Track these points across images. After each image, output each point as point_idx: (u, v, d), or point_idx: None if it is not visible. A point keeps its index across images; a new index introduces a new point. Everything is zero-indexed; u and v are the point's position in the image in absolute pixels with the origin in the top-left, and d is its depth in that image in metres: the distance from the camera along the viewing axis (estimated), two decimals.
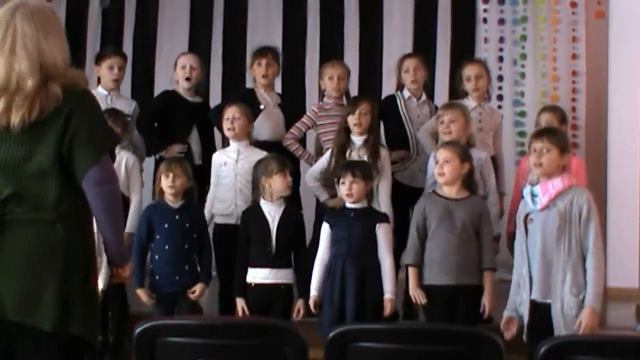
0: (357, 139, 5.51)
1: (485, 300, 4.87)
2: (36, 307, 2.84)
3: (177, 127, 6.06)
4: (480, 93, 5.94)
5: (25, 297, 2.84)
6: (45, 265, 2.86)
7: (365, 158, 5.40)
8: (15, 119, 2.86)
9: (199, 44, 7.82)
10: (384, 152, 5.56)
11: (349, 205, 5.09)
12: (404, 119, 5.91)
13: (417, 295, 4.89)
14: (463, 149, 5.06)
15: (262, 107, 5.93)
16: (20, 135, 2.88)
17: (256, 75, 6.07)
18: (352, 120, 5.49)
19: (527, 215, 4.50)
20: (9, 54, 2.90)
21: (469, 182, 5.00)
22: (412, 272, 4.94)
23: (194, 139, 6.07)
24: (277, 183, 5.11)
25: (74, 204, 2.94)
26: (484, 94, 5.98)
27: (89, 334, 2.95)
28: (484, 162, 5.41)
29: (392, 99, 6.05)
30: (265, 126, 5.92)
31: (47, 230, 2.87)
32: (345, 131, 5.53)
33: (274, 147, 5.69)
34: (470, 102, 5.88)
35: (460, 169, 4.94)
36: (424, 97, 6.01)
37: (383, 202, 5.41)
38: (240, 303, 5.09)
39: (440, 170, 4.93)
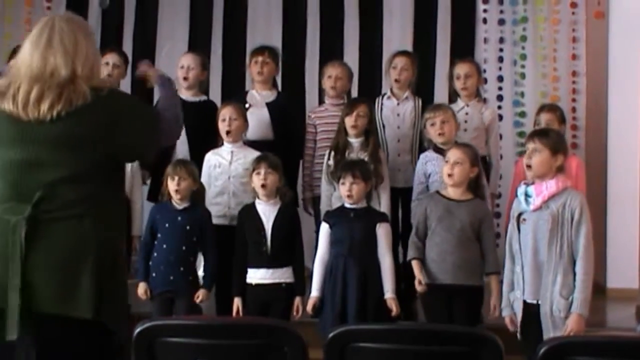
0: (355, 141, 5.52)
1: (494, 302, 4.85)
2: (73, 298, 2.93)
3: None
4: (469, 92, 5.93)
5: (62, 289, 2.93)
6: (79, 257, 2.95)
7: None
8: (45, 106, 2.95)
9: (198, 44, 7.81)
10: (382, 155, 5.57)
11: (348, 205, 5.10)
12: (378, 123, 5.90)
13: (419, 288, 4.90)
14: (474, 153, 5.06)
15: (247, 105, 5.88)
16: (50, 135, 2.96)
17: (252, 72, 6.07)
18: (349, 122, 5.50)
19: (520, 215, 4.51)
20: (44, 47, 3.03)
21: (475, 185, 5.00)
22: (415, 264, 4.95)
23: (181, 137, 5.96)
24: (253, 181, 5.15)
25: (103, 200, 3.04)
26: (473, 93, 5.97)
27: (117, 325, 3.03)
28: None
29: (374, 103, 6.04)
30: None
31: (78, 225, 2.96)
32: (344, 131, 5.54)
33: (252, 146, 5.65)
34: (459, 102, 5.88)
35: (469, 172, 4.94)
36: (406, 94, 5.98)
37: (383, 207, 5.41)
38: (237, 302, 5.11)
39: (450, 170, 4.93)
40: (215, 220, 5.41)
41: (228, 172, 5.50)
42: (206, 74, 6.24)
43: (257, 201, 5.17)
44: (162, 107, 3.27)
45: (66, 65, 3.00)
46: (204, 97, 6.18)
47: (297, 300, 5.09)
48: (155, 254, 5.15)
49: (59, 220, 2.95)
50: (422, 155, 5.53)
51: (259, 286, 5.10)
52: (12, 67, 3.10)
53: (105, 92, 3.05)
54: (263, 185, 5.12)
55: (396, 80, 5.96)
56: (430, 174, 5.41)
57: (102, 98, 3.02)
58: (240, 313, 5.09)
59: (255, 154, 5.40)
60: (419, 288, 4.92)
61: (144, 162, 3.38)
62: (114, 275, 3.03)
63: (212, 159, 5.56)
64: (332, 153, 5.54)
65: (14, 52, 6.20)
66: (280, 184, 5.18)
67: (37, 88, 2.97)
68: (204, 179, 5.53)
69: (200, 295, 5.09)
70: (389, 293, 4.97)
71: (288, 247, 5.14)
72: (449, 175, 4.94)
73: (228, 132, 5.53)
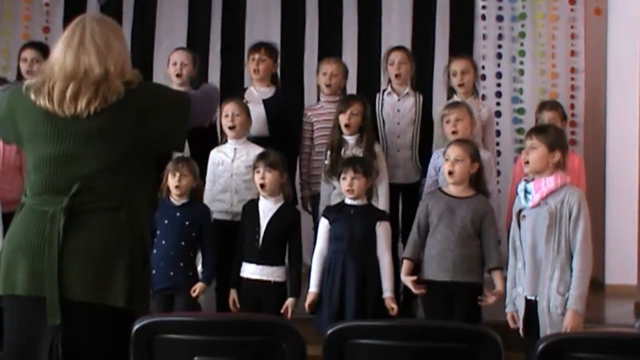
0: (349, 138, 5.51)
1: (490, 294, 4.83)
2: (107, 286, 3.01)
3: None
4: (466, 89, 5.91)
5: (97, 278, 3.01)
6: (115, 248, 3.03)
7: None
8: (82, 103, 3.04)
9: (197, 40, 7.82)
10: (378, 149, 5.56)
11: (348, 201, 5.09)
12: (378, 119, 5.90)
13: (407, 283, 4.91)
14: (474, 148, 5.05)
15: (244, 102, 5.87)
16: (85, 129, 3.05)
17: (249, 69, 6.06)
18: (342, 119, 5.50)
19: (520, 211, 4.51)
20: (77, 47, 3.12)
21: (476, 181, 4.99)
22: (406, 264, 4.97)
23: None
24: (255, 179, 5.14)
25: (136, 190, 3.13)
26: (470, 89, 5.94)
27: (146, 313, 3.10)
28: (486, 164, 5.39)
29: (374, 99, 6.04)
30: None
31: (114, 217, 3.05)
32: (339, 129, 5.53)
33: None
34: (456, 98, 5.87)
35: (470, 168, 4.94)
36: (406, 89, 5.98)
37: (382, 201, 5.41)
38: (232, 295, 5.14)
39: (451, 168, 4.92)
40: (217, 216, 5.44)
41: (230, 169, 5.49)
42: (196, 70, 6.21)
43: (260, 197, 5.18)
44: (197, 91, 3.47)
45: (99, 64, 3.10)
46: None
47: (289, 301, 5.05)
48: (155, 251, 5.14)
49: (95, 211, 3.04)
50: (436, 152, 5.53)
51: (250, 281, 5.10)
52: (45, 66, 3.19)
53: (136, 85, 3.14)
54: (262, 185, 5.12)
55: (397, 76, 5.95)
56: (440, 167, 5.41)
57: (133, 91, 3.11)
58: (237, 305, 5.11)
59: (259, 150, 5.38)
60: (415, 290, 4.92)
61: (174, 149, 3.52)
62: (143, 266, 3.13)
63: (216, 157, 5.56)
64: (329, 152, 5.54)
65: (20, 52, 6.24)
66: (283, 180, 5.18)
67: (73, 86, 3.06)
68: (209, 177, 5.54)
69: (197, 288, 5.08)
70: (387, 292, 4.97)
71: (281, 246, 5.14)
72: (450, 173, 4.93)
73: (231, 128, 5.52)
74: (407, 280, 4.93)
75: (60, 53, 3.13)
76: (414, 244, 4.99)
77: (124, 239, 3.05)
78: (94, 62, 3.09)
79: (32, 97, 3.09)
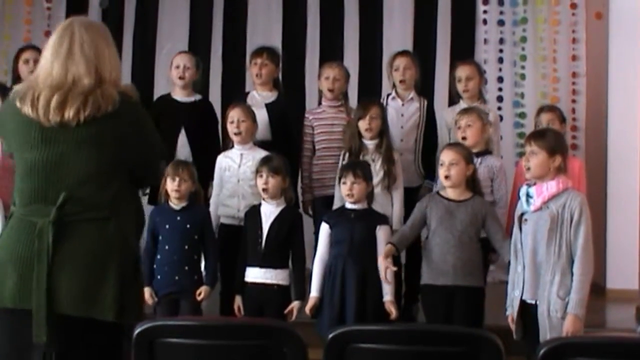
0: (369, 143, 5.48)
1: None
2: (97, 300, 2.97)
3: (164, 131, 5.97)
4: (471, 94, 5.90)
5: (86, 292, 2.97)
6: (104, 261, 2.99)
7: (379, 162, 5.39)
8: (70, 112, 2.98)
9: (198, 44, 7.82)
10: (397, 156, 5.54)
11: (349, 206, 5.10)
12: None
13: (382, 265, 4.84)
14: (468, 151, 5.05)
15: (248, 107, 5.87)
16: (74, 136, 3.00)
17: (252, 74, 6.06)
18: (363, 125, 5.46)
19: (522, 215, 4.52)
20: (65, 57, 3.05)
21: (472, 182, 5.00)
22: (388, 247, 4.89)
23: (181, 140, 5.98)
24: (257, 183, 5.15)
25: (125, 202, 3.09)
26: (475, 95, 5.93)
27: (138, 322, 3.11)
28: (497, 171, 5.38)
29: None
30: None
31: (103, 228, 3.01)
32: (359, 134, 5.50)
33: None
34: (461, 104, 5.87)
35: (465, 170, 4.95)
36: (411, 94, 5.97)
37: (396, 208, 5.41)
38: (237, 301, 5.13)
39: (447, 172, 4.92)
40: (225, 221, 5.45)
41: (237, 175, 5.48)
42: (199, 74, 6.20)
43: (262, 202, 5.18)
44: None
45: (88, 73, 3.04)
46: (198, 97, 6.15)
47: (295, 304, 5.05)
48: (158, 257, 5.15)
49: (84, 222, 3.00)
50: None
51: (254, 285, 5.10)
52: (33, 74, 3.15)
53: (133, 101, 3.15)
54: (264, 189, 5.12)
55: (401, 81, 5.94)
56: None
57: (131, 105, 3.10)
58: (242, 311, 5.11)
59: (264, 154, 5.37)
60: (382, 273, 4.86)
61: (145, 180, 3.43)
62: (135, 277, 3.09)
63: (223, 162, 5.55)
64: (347, 154, 5.51)
65: (18, 55, 6.23)
66: (285, 185, 5.17)
67: (58, 96, 3.00)
68: (216, 182, 5.54)
69: (202, 292, 5.09)
70: (388, 296, 4.96)
71: (284, 250, 5.13)
72: (446, 177, 4.94)
73: (237, 134, 5.51)
74: (383, 262, 4.85)
75: (47, 62, 3.08)
76: (403, 235, 4.99)
77: (113, 251, 3.01)
78: (82, 73, 3.04)
79: (18, 104, 3.04)
